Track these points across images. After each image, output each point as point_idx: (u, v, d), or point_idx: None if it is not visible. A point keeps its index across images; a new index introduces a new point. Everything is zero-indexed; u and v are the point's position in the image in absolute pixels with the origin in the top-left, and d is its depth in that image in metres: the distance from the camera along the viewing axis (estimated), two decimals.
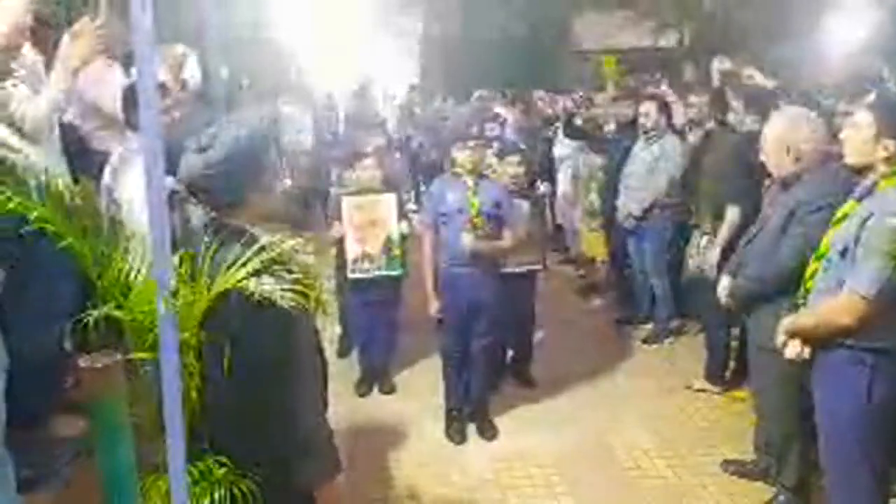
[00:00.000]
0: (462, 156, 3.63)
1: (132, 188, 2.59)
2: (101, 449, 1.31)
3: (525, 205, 4.18)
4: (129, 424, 1.36)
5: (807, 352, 2.44)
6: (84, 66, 2.56)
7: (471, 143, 3.62)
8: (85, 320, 1.55)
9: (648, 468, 3.50)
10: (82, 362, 1.30)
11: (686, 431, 3.83)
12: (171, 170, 1.58)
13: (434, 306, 3.76)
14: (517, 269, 4.11)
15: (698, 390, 4.25)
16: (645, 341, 5.06)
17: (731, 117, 4.24)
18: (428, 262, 3.79)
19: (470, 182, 3.63)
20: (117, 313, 1.54)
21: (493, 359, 4.00)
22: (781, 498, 3.05)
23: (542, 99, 8.54)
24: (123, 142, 3.37)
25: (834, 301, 2.33)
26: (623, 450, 3.66)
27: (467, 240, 3.56)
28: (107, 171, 2.87)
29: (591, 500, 3.26)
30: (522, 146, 4.57)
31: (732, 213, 3.92)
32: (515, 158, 4.26)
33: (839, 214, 2.41)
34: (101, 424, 1.31)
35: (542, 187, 4.64)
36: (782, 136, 2.82)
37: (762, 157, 2.94)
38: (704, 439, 3.73)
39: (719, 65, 5.18)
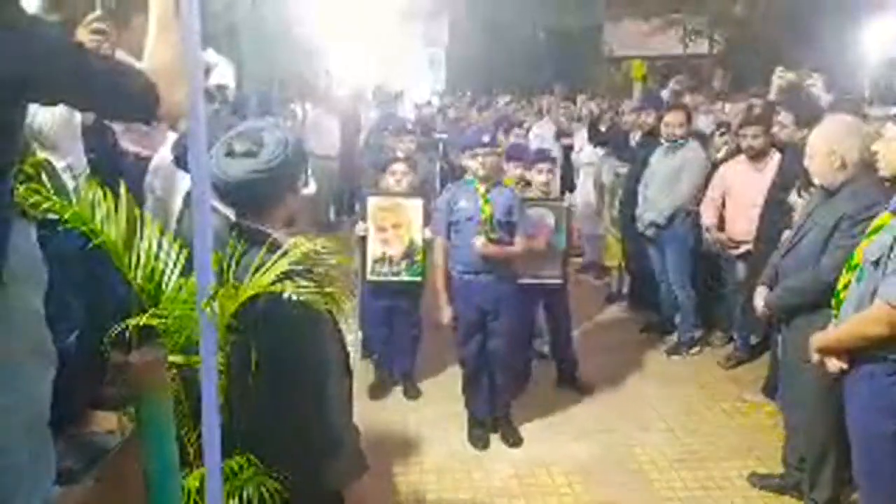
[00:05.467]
0: (473, 163, 3.65)
1: (170, 189, 2.64)
2: (145, 444, 1.34)
3: (550, 216, 4.14)
4: (173, 420, 1.39)
5: (844, 365, 2.40)
6: None
7: (481, 151, 3.62)
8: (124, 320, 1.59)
9: (674, 479, 3.46)
10: (130, 358, 1.33)
11: (713, 444, 3.78)
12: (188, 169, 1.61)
13: (446, 314, 3.76)
14: (532, 281, 4.07)
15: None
16: (669, 351, 5.01)
17: (782, 133, 4.16)
18: (440, 269, 3.80)
19: (481, 189, 3.64)
20: (154, 321, 1.57)
21: (512, 365, 3.97)
22: None
23: (566, 106, 8.50)
24: (146, 142, 3.45)
25: (865, 312, 2.29)
26: (649, 461, 3.63)
27: (479, 243, 3.56)
28: (150, 170, 2.93)
29: None
30: (553, 154, 4.51)
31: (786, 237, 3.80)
32: (545, 166, 4.24)
33: (873, 226, 2.37)
34: (146, 420, 1.33)
35: (568, 198, 4.60)
36: (829, 144, 2.75)
37: (805, 163, 2.89)
38: (731, 452, 3.68)
39: (779, 79, 5.06)
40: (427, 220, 4.09)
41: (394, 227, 4.06)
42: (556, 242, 4.16)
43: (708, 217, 4.64)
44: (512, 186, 4.01)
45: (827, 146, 2.76)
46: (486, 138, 3.66)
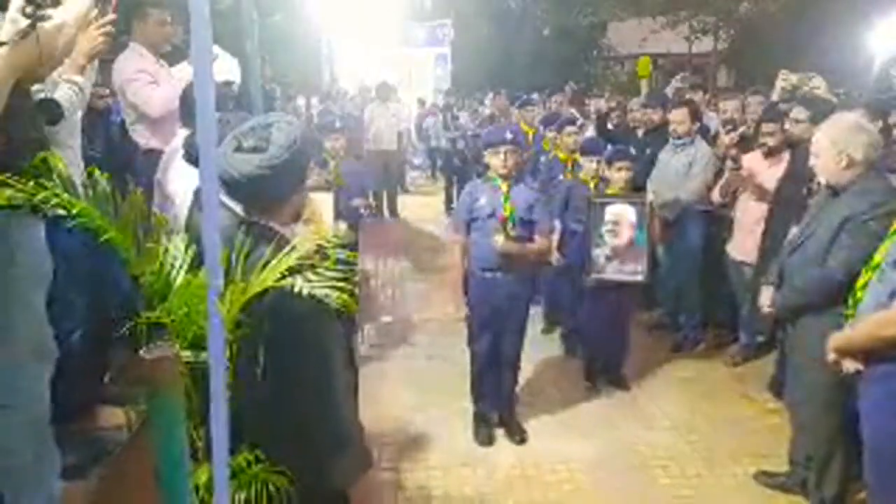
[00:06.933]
0: (496, 161, 3.64)
1: (178, 185, 2.64)
2: (156, 440, 1.34)
3: (632, 212, 4.11)
4: (184, 416, 1.39)
5: (860, 366, 2.37)
6: (90, 62, 2.52)
7: (503, 148, 3.61)
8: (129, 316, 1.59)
9: (679, 477, 3.46)
10: (142, 354, 1.33)
11: (718, 442, 3.78)
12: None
13: (463, 311, 3.76)
14: (614, 277, 4.12)
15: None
16: (675, 349, 4.99)
17: (795, 129, 4.14)
18: (457, 266, 3.79)
19: (503, 187, 3.64)
20: (164, 318, 1.57)
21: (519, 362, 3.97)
22: None
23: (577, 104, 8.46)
24: (155, 136, 3.46)
25: (883, 313, 2.25)
26: (653, 458, 3.63)
27: (499, 241, 3.55)
28: (160, 166, 2.93)
29: None
30: (632, 151, 4.46)
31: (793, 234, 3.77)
32: (625, 164, 4.23)
33: None
34: (158, 416, 1.33)
35: (651, 194, 4.51)
36: (836, 143, 2.72)
37: (811, 162, 2.86)
38: (737, 450, 3.68)
39: (783, 81, 5.05)
40: (338, 214, 3.86)
41: (304, 224, 3.83)
42: (638, 239, 4.12)
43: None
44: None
45: (833, 145, 2.73)
46: (508, 135, 3.64)
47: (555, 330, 5.28)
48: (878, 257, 2.36)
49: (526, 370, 4.31)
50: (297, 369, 1.67)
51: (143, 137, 3.59)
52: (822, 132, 2.83)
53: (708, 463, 3.57)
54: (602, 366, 4.50)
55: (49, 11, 1.53)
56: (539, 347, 4.86)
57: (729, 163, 4.52)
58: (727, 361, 4.77)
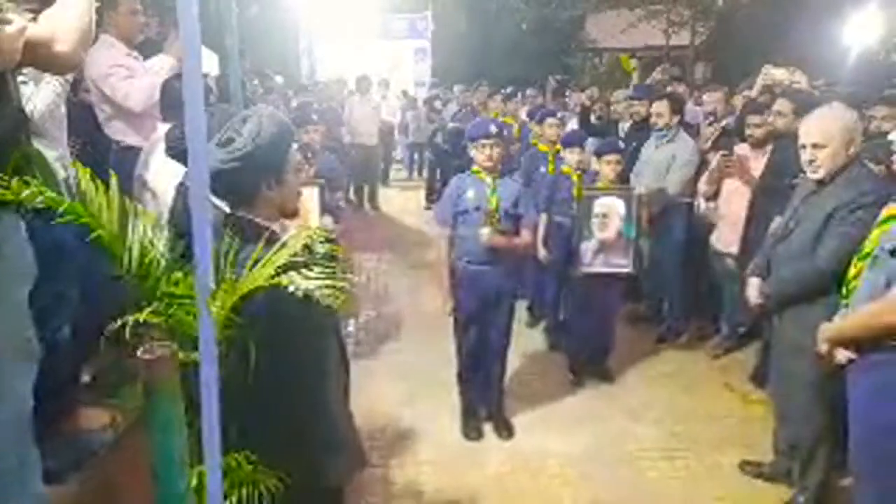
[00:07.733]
0: (480, 154, 3.62)
1: (161, 180, 2.60)
2: (154, 440, 1.31)
3: (620, 204, 4.11)
4: (182, 416, 1.36)
5: (852, 355, 2.38)
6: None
7: (488, 142, 3.59)
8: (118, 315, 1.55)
9: (665, 468, 3.50)
10: (140, 354, 1.30)
11: (703, 432, 3.82)
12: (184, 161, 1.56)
13: (448, 304, 3.75)
14: (602, 270, 4.14)
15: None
16: (658, 341, 5.04)
17: (779, 122, 4.17)
18: (443, 260, 3.77)
19: (489, 180, 3.62)
20: (154, 318, 1.53)
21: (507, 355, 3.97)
22: (801, 499, 3.04)
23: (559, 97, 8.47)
24: (131, 131, 3.39)
25: (881, 301, 2.25)
26: (639, 450, 3.65)
27: (485, 234, 3.54)
28: (140, 160, 2.87)
29: (607, 499, 3.26)
30: (621, 145, 4.48)
31: (775, 224, 3.80)
32: (614, 157, 4.23)
33: (886, 214, 2.33)
34: (155, 415, 1.31)
35: (639, 187, 4.50)
36: (849, 132, 2.71)
37: (812, 154, 2.79)
38: (721, 440, 3.72)
39: (765, 77, 5.08)
40: (324, 208, 3.77)
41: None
42: (625, 231, 4.12)
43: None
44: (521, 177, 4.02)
45: (846, 134, 2.71)
46: (493, 129, 3.61)
47: (539, 324, 5.30)
48: (869, 246, 2.37)
49: (511, 364, 4.31)
50: (291, 368, 1.64)
51: (119, 133, 3.50)
52: (830, 120, 2.77)
53: (695, 454, 3.61)
54: (587, 359, 4.52)
55: (10, 16, 1.51)
56: (523, 341, 4.87)
57: (720, 151, 4.55)
58: (709, 353, 4.82)
